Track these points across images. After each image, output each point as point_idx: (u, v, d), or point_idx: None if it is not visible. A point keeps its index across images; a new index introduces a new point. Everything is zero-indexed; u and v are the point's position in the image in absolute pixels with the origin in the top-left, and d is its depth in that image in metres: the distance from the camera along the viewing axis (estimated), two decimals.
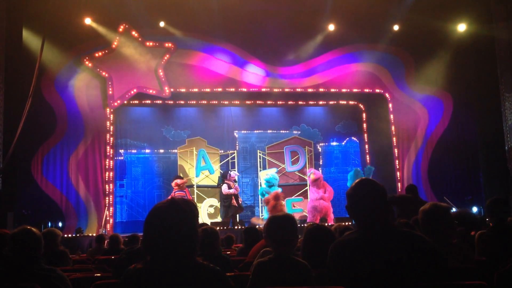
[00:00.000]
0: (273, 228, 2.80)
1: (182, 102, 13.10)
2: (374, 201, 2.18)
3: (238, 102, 13.39)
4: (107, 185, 11.79)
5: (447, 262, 2.19)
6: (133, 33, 11.71)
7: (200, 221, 9.39)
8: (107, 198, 11.71)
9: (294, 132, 13.78)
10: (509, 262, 2.75)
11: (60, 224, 10.73)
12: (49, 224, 10.27)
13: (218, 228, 9.38)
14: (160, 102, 12.72)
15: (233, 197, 11.26)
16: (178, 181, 11.29)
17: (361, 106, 13.88)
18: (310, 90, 12.95)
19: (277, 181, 11.79)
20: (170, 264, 1.85)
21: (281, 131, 13.87)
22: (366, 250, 2.10)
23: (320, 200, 11.27)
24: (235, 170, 12.39)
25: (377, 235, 2.13)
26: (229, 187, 11.27)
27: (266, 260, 2.69)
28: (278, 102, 13.66)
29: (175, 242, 1.86)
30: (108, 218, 11.58)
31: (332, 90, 13.00)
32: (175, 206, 1.92)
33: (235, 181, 11.62)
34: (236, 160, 13.06)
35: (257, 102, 13.43)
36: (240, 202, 11.49)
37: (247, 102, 13.35)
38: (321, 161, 13.86)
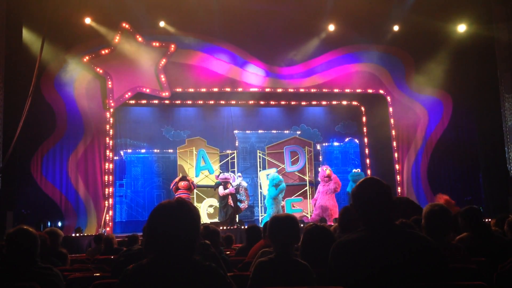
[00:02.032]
0: (275, 228, 2.80)
1: (182, 102, 13.10)
2: (379, 200, 2.18)
3: (238, 102, 13.38)
4: (106, 185, 11.80)
5: (448, 263, 2.18)
6: (133, 33, 11.71)
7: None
8: (106, 197, 11.71)
9: (294, 132, 13.78)
10: (508, 263, 2.75)
11: (59, 224, 10.73)
12: (49, 224, 10.26)
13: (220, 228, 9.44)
14: (160, 102, 12.72)
15: (229, 196, 11.24)
16: (182, 183, 11.25)
17: (361, 107, 13.88)
18: (310, 90, 12.95)
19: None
20: (172, 263, 1.86)
21: (281, 131, 13.86)
22: (369, 250, 2.09)
23: (329, 199, 11.31)
24: (228, 172, 12.31)
25: (381, 235, 2.12)
26: (225, 188, 11.26)
27: (266, 260, 2.69)
28: (278, 102, 13.67)
29: (180, 241, 1.88)
30: (107, 218, 11.58)
31: (332, 90, 13.00)
32: (183, 205, 1.94)
33: (226, 181, 11.53)
34: (235, 160, 13.06)
35: (257, 102, 13.41)
36: (237, 203, 11.46)
37: (247, 102, 13.35)
38: (321, 161, 13.85)
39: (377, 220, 2.17)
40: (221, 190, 11.27)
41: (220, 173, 11.98)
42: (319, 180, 11.92)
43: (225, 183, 11.42)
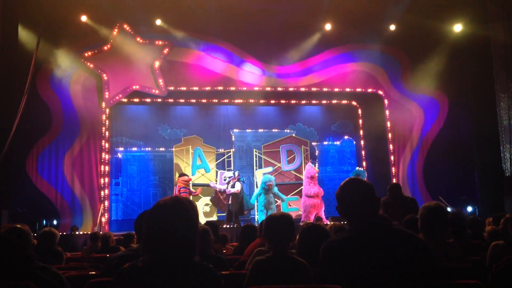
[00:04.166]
0: (271, 227, 2.80)
1: (178, 100, 13.06)
2: (362, 199, 2.20)
3: (234, 101, 13.37)
4: (102, 183, 11.76)
5: (438, 261, 2.19)
6: (129, 30, 11.68)
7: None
8: (102, 196, 11.68)
9: (290, 131, 13.79)
10: (503, 262, 2.76)
11: (55, 222, 10.70)
12: (44, 222, 10.24)
13: (220, 226, 9.43)
14: (156, 100, 12.68)
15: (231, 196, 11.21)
16: (186, 177, 11.25)
17: (357, 106, 13.90)
18: (306, 89, 12.96)
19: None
20: (170, 263, 1.84)
21: (277, 130, 13.86)
22: (357, 249, 2.10)
23: (314, 198, 11.23)
24: (229, 171, 12.32)
25: (368, 234, 2.13)
26: (233, 186, 11.24)
27: (264, 259, 2.69)
28: (275, 101, 13.66)
29: (177, 241, 1.85)
30: (103, 216, 11.55)
31: (328, 89, 13.01)
32: (180, 204, 1.92)
33: (226, 181, 11.51)
34: (232, 159, 13.06)
35: (254, 101, 13.41)
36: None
37: (243, 101, 13.35)
38: (317, 160, 13.87)
39: (363, 220, 2.17)
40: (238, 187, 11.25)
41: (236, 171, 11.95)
42: (304, 177, 11.72)
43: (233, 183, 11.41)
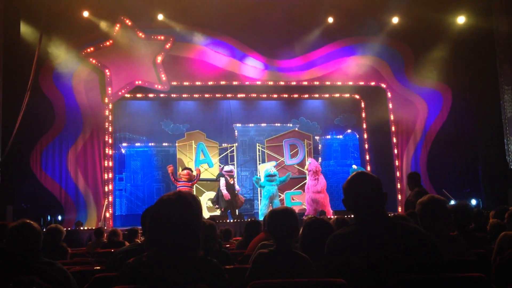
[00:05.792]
0: (274, 222, 2.81)
1: (181, 95, 13.10)
2: (370, 193, 2.19)
3: (237, 95, 13.37)
4: (106, 179, 11.80)
5: (443, 254, 2.19)
6: (132, 26, 11.66)
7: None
8: (106, 191, 11.72)
9: (293, 125, 13.77)
10: (508, 254, 2.75)
11: (59, 218, 10.75)
12: (49, 218, 10.28)
13: (217, 221, 9.47)
14: (159, 95, 12.70)
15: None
16: (186, 171, 11.26)
17: (360, 99, 13.87)
18: (309, 83, 12.92)
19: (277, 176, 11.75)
20: (174, 258, 1.86)
21: (280, 125, 13.86)
22: (363, 243, 2.10)
23: (319, 193, 11.28)
24: (232, 165, 12.31)
25: (374, 228, 2.13)
26: (227, 182, 11.25)
27: (267, 252, 2.70)
28: (277, 95, 13.65)
29: (182, 235, 1.87)
30: (107, 211, 11.60)
31: (331, 83, 12.97)
32: (183, 199, 1.93)
33: (231, 176, 11.53)
34: (235, 153, 13.07)
35: (256, 95, 13.40)
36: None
37: (246, 95, 13.34)
38: (320, 154, 13.87)
39: (369, 213, 2.18)
40: (222, 183, 11.24)
41: (225, 165, 11.95)
42: (306, 170, 11.78)
43: (230, 176, 11.41)
